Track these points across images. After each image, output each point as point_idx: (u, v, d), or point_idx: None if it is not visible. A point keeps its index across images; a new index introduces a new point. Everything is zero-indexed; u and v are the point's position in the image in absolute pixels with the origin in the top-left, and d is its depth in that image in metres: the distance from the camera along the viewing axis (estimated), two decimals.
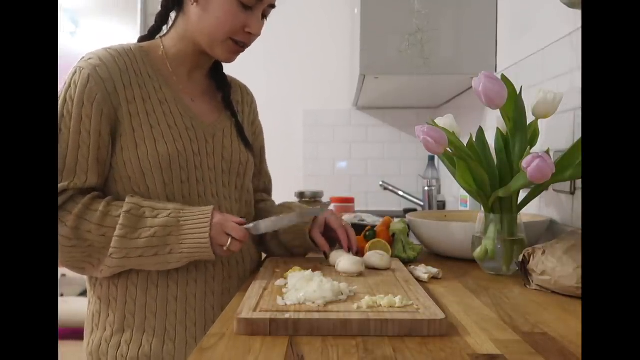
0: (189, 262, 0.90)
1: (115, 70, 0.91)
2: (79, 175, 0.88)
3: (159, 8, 1.02)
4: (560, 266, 0.82)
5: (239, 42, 0.96)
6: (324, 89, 2.60)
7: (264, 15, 0.99)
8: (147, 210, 0.88)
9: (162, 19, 1.02)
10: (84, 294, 3.06)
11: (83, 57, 0.93)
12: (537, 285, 0.86)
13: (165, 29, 1.03)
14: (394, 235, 1.13)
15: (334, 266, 0.94)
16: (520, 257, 0.89)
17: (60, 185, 0.87)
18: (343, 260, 0.91)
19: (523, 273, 0.89)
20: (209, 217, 0.87)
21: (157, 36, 1.03)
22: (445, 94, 2.12)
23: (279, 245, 1.10)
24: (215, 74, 1.09)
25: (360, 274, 0.89)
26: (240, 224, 0.90)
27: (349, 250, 1.03)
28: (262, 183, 1.21)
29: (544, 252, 0.86)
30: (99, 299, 0.96)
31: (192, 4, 0.94)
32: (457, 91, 2.03)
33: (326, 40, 2.56)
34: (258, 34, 0.97)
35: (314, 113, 2.61)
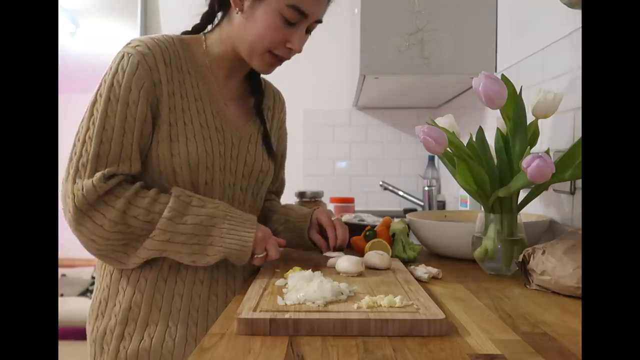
0: (221, 259, 0.90)
1: (161, 63, 0.92)
2: (123, 160, 0.88)
3: (207, 7, 1.02)
4: (560, 266, 0.82)
5: (278, 56, 0.97)
6: (324, 89, 2.60)
7: (309, 30, 0.99)
8: (195, 199, 0.90)
9: (207, 18, 1.03)
10: (84, 294, 3.06)
11: (129, 43, 0.92)
12: (537, 285, 0.86)
13: (209, 27, 1.04)
14: (394, 235, 1.13)
15: (334, 267, 0.94)
16: (520, 257, 0.89)
17: (108, 169, 0.86)
18: (343, 261, 0.91)
19: (523, 273, 0.89)
20: (255, 222, 0.92)
21: (201, 32, 1.03)
22: (445, 94, 2.12)
23: None
24: (252, 78, 1.09)
25: (360, 274, 0.89)
26: (280, 245, 0.96)
27: (330, 247, 1.06)
28: (275, 188, 1.23)
29: (544, 252, 0.86)
30: (107, 287, 0.96)
31: (237, 12, 0.95)
32: (457, 91, 2.03)
33: (326, 40, 2.56)
34: (299, 50, 0.98)
35: (314, 113, 2.61)
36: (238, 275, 1.00)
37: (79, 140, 0.89)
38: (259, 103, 1.08)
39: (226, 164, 0.97)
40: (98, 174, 0.86)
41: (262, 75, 1.12)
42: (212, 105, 0.97)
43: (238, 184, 1.01)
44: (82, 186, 0.85)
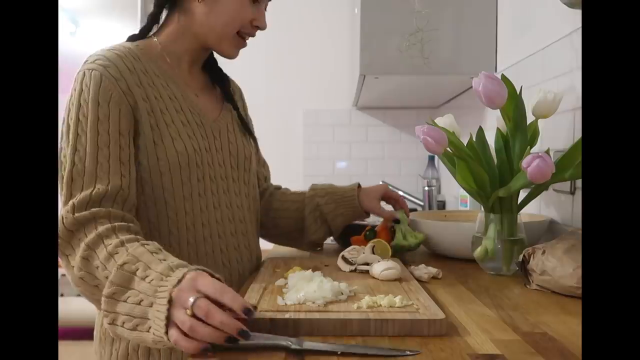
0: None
1: (125, 70, 0.89)
2: (100, 178, 0.83)
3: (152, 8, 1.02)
4: (560, 266, 0.82)
5: (244, 37, 0.98)
6: (323, 89, 2.60)
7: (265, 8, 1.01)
8: (141, 265, 0.69)
9: (154, 18, 1.01)
10: None
11: (87, 60, 0.89)
12: (537, 285, 0.86)
13: (155, 27, 1.02)
14: (394, 222, 1.13)
15: (369, 271, 0.90)
16: (520, 257, 0.89)
17: (81, 196, 0.80)
18: (379, 266, 0.87)
19: (523, 273, 0.89)
20: (168, 287, 0.63)
21: (149, 35, 1.02)
22: (445, 94, 2.12)
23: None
24: (210, 68, 1.09)
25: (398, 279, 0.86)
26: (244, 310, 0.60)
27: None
28: (262, 172, 1.22)
29: (544, 252, 0.86)
30: None
31: (198, 2, 0.95)
32: (457, 91, 2.03)
33: (326, 40, 2.56)
34: (265, 27, 0.99)
35: (314, 113, 2.60)
36: (234, 274, 0.99)
37: (60, 164, 0.86)
38: (227, 90, 1.08)
39: (214, 158, 0.97)
40: (69, 204, 0.80)
41: (226, 72, 1.13)
42: (186, 101, 0.97)
43: (230, 176, 1.00)
44: (62, 215, 0.80)
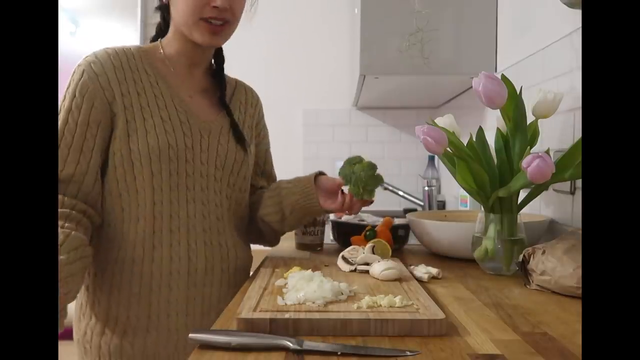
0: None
1: (110, 67, 0.95)
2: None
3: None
4: (560, 266, 0.82)
5: (211, 20, 0.96)
6: (323, 89, 2.60)
7: None
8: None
9: (160, 28, 1.08)
10: None
11: (84, 57, 0.97)
12: (537, 285, 0.86)
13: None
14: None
15: (369, 271, 0.91)
16: (520, 257, 0.89)
17: None
18: (379, 266, 0.88)
19: (523, 273, 0.89)
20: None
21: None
22: (445, 94, 2.12)
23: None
24: (216, 73, 1.11)
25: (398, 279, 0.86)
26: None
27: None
28: (258, 182, 1.20)
29: (544, 252, 0.86)
30: (86, 290, 1.00)
31: (164, 3, 1.00)
32: (457, 91, 2.03)
33: (326, 40, 2.56)
34: (224, 7, 0.96)
35: (314, 113, 2.61)
36: (217, 270, 1.00)
37: None
38: (222, 95, 1.09)
39: (195, 156, 0.99)
40: None
41: (226, 72, 1.14)
42: (174, 100, 1.00)
43: (212, 175, 1.01)
44: None
